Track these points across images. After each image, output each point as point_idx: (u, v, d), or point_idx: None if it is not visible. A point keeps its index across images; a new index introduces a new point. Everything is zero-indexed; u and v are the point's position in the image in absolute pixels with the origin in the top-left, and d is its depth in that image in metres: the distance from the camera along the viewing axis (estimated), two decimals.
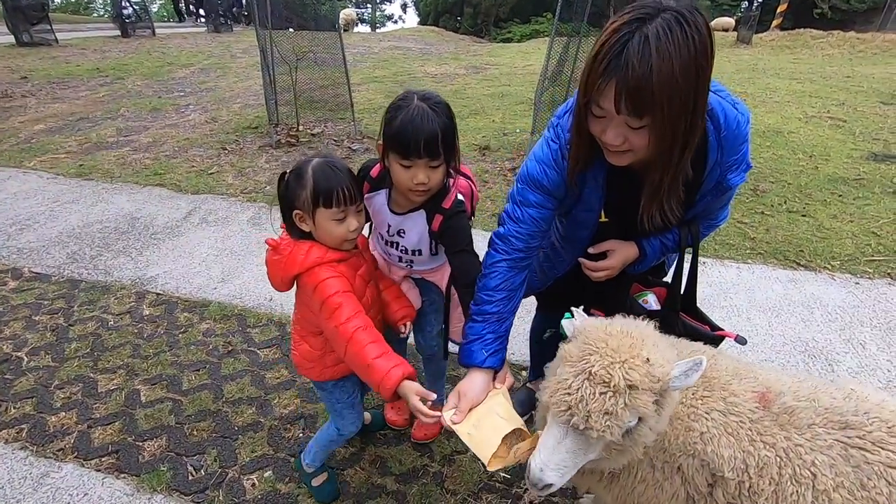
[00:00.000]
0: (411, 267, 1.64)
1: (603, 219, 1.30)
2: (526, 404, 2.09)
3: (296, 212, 1.33)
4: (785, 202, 3.92)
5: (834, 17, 21.09)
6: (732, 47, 14.35)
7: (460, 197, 1.51)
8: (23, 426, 2.04)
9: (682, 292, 1.39)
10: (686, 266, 1.36)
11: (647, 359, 0.93)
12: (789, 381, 1.09)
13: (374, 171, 1.53)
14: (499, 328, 1.30)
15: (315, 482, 1.75)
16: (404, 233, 1.54)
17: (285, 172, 1.34)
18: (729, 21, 17.03)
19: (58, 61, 9.86)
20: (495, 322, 1.30)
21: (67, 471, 1.86)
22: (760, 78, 9.16)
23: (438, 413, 1.23)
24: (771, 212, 3.77)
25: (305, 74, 5.83)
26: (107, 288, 2.95)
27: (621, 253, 1.31)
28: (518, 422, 1.21)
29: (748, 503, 1.01)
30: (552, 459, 0.97)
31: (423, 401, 1.24)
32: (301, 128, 5.66)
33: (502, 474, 1.86)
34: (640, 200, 1.17)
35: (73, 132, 5.81)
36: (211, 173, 4.63)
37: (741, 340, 1.27)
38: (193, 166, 4.81)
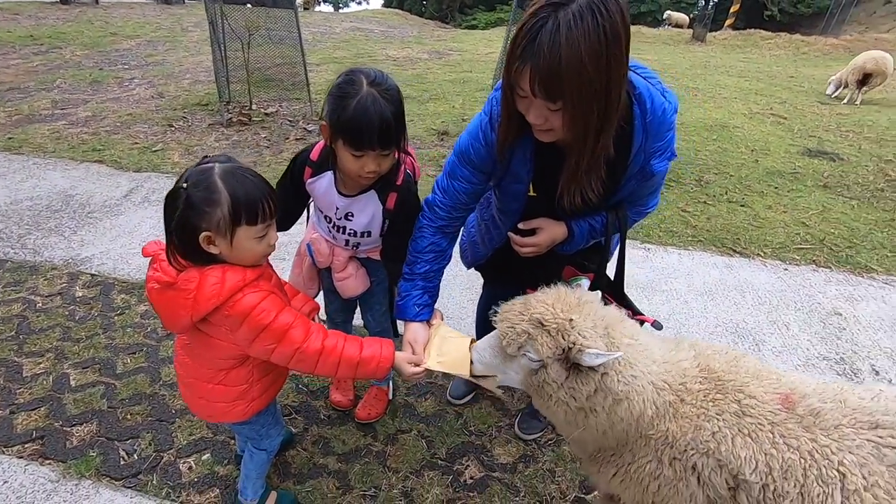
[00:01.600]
0: (357, 248, 1.62)
1: (531, 193, 1.33)
2: (470, 382, 2.11)
3: (205, 234, 1.10)
4: (726, 192, 4.11)
5: (783, 19, 22.09)
6: (688, 44, 14.81)
7: (409, 172, 1.51)
8: None
9: (609, 276, 1.43)
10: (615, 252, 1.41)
11: (572, 320, 1.05)
12: (814, 383, 1.09)
13: (314, 154, 1.48)
14: (427, 285, 1.42)
15: None
16: (353, 216, 1.50)
17: (181, 187, 1.09)
18: (684, 18, 17.54)
19: None
20: (423, 280, 1.41)
21: None
22: (711, 75, 9.51)
23: (422, 366, 1.32)
24: (713, 201, 3.95)
25: (262, 52, 5.62)
26: (35, 268, 2.77)
27: (549, 231, 1.34)
28: (469, 337, 1.35)
29: None
30: (480, 345, 1.23)
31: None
32: (254, 107, 5.46)
33: (444, 453, 1.89)
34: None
35: (2, 103, 5.39)
36: (155, 151, 4.41)
37: (657, 326, 1.33)
38: (136, 143, 4.56)
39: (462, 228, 1.55)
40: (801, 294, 2.89)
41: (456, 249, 1.55)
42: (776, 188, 4.27)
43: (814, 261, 3.20)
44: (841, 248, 3.35)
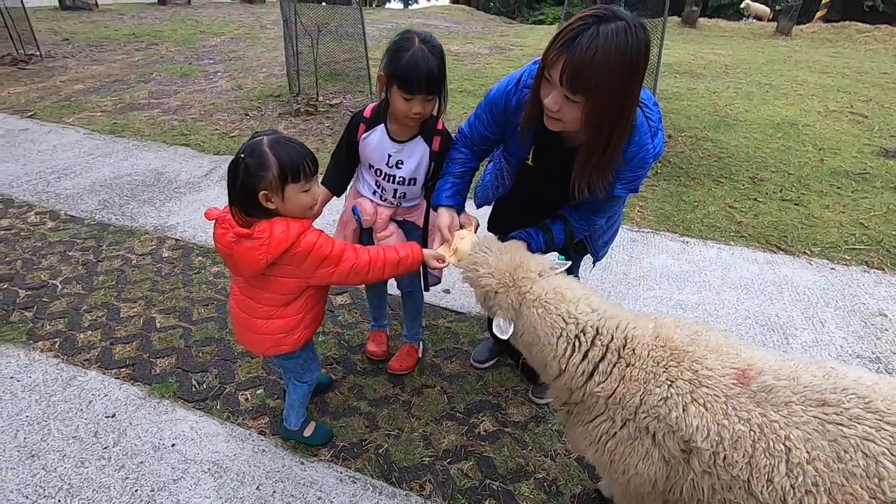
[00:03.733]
0: (400, 204, 1.87)
1: (529, 162, 1.57)
2: (493, 350, 2.30)
3: (262, 192, 1.37)
4: (781, 190, 3.98)
5: (886, 9, 20.04)
6: (770, 38, 13.89)
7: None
8: (56, 339, 2.36)
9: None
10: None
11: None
12: (773, 359, 1.14)
13: (367, 112, 1.78)
14: (456, 181, 1.68)
15: (307, 433, 1.89)
16: (402, 164, 1.77)
17: (239, 157, 1.37)
18: (765, 9, 16.38)
19: (97, 25, 10.28)
20: (453, 177, 1.68)
21: (91, 376, 2.17)
22: (790, 70, 8.95)
23: (444, 260, 1.59)
24: (764, 199, 3.85)
25: (330, 47, 6.03)
26: (132, 232, 3.26)
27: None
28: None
29: (724, 473, 1.07)
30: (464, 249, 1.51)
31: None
32: (321, 98, 5.88)
33: (463, 408, 2.09)
34: (557, 166, 1.41)
35: (109, 93, 6.17)
36: (233, 136, 4.91)
37: None
38: (217, 129, 5.10)
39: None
40: (845, 293, 2.81)
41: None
42: (839, 188, 4.07)
43: (866, 262, 3.08)
44: None
